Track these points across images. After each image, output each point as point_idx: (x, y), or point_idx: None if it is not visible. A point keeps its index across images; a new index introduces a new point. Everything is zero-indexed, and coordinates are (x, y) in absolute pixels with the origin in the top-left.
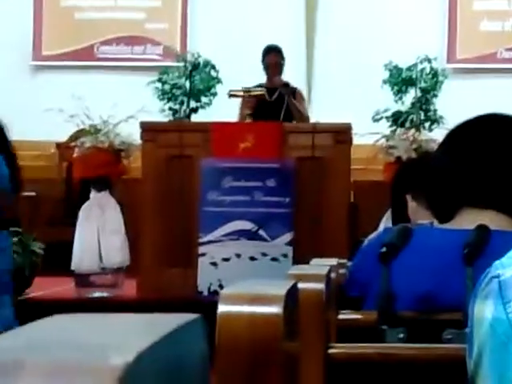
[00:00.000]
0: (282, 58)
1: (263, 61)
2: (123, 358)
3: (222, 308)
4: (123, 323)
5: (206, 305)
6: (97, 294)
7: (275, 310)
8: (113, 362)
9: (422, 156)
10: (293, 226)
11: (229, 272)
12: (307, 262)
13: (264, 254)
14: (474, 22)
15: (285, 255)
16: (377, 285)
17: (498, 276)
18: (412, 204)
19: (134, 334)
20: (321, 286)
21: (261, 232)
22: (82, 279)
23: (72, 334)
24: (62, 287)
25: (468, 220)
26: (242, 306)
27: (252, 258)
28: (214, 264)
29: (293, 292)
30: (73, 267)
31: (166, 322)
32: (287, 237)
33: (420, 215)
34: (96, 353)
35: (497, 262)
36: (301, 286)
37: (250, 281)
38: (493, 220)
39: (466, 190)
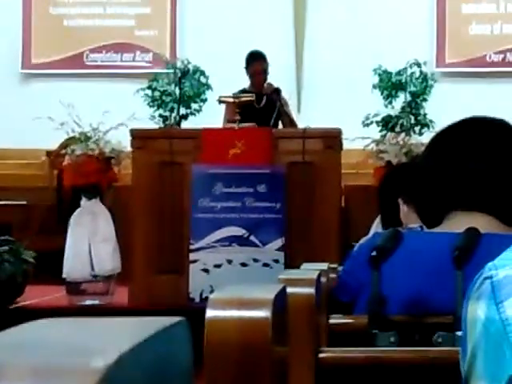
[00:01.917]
0: (266, 64)
1: (247, 68)
2: (104, 361)
3: (210, 313)
4: (106, 326)
5: (197, 311)
6: (88, 302)
7: (263, 314)
8: (94, 364)
9: (409, 160)
10: (284, 232)
11: (220, 278)
12: (299, 267)
13: (255, 260)
14: (462, 26)
15: (276, 261)
16: (368, 289)
17: (490, 277)
18: (403, 208)
19: (117, 336)
20: (311, 290)
21: (252, 238)
22: (74, 287)
23: (54, 338)
24: (54, 295)
25: (457, 223)
26: (231, 311)
27: (243, 264)
28: (206, 270)
29: (281, 296)
30: (64, 275)
31: (149, 325)
32: (278, 242)
33: (411, 219)
34: (77, 355)
35: (489, 264)
36: (291, 290)
37: (238, 285)
38: (482, 223)
39: (454, 194)
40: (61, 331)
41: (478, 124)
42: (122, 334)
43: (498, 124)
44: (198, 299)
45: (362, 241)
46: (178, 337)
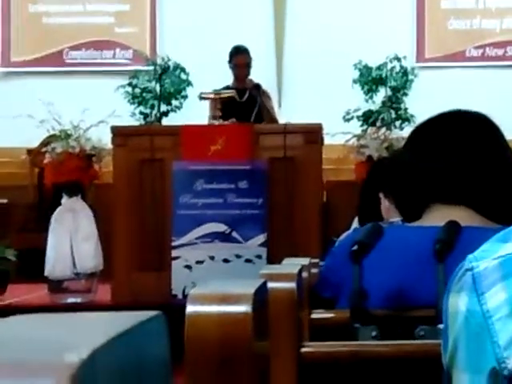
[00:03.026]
0: (250, 59)
1: (230, 61)
2: (78, 356)
3: (190, 308)
4: (81, 322)
5: (180, 308)
6: (71, 300)
7: (244, 309)
8: (68, 359)
9: (392, 154)
10: (266, 227)
11: (203, 275)
12: (281, 263)
13: (238, 256)
14: (441, 21)
15: (259, 256)
16: (349, 284)
17: (471, 269)
18: (384, 202)
19: (92, 331)
20: (292, 285)
21: (234, 234)
22: (56, 285)
23: (28, 333)
24: (36, 293)
25: (437, 217)
26: (211, 306)
27: (226, 260)
28: (188, 267)
29: (262, 291)
30: (46, 273)
31: (124, 320)
32: (261, 238)
33: (393, 213)
34: (51, 351)
35: (470, 256)
36: (272, 285)
37: (218, 281)
38: (462, 216)
39: (433, 187)
40: (35, 327)
41: (457, 117)
42: (97, 329)
43: (476, 117)
44: (180, 296)
45: (343, 236)
46: (154, 331)
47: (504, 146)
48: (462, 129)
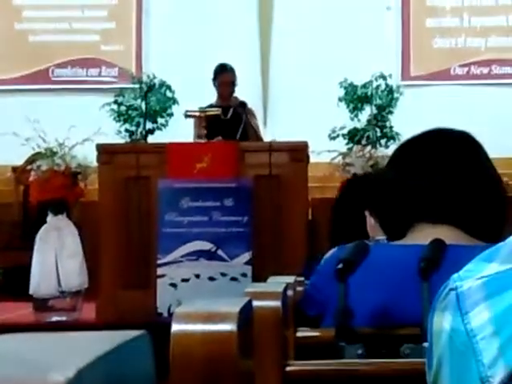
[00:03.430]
0: (235, 77)
1: (215, 79)
2: (63, 375)
3: (175, 327)
4: (66, 341)
5: (165, 326)
6: (56, 318)
7: (228, 327)
8: (53, 378)
9: (370, 173)
10: (251, 245)
11: (188, 293)
12: (266, 281)
13: (223, 274)
14: (426, 39)
15: (244, 274)
16: (334, 302)
17: (455, 288)
18: (370, 220)
19: (77, 350)
20: (277, 303)
21: (220, 252)
22: (41, 303)
23: (14, 352)
24: (21, 312)
25: (421, 236)
26: (196, 325)
27: (211, 278)
28: (174, 285)
29: (247, 309)
30: (31, 291)
31: (110, 339)
32: (246, 256)
33: (378, 231)
34: (37, 370)
35: (454, 275)
36: (257, 303)
37: (203, 299)
38: (447, 235)
39: (417, 206)
40: (20, 346)
41: (440, 136)
42: (83, 348)
43: (459, 136)
44: (165, 314)
45: (328, 254)
46: (139, 350)
47: (487, 164)
48: (446, 147)
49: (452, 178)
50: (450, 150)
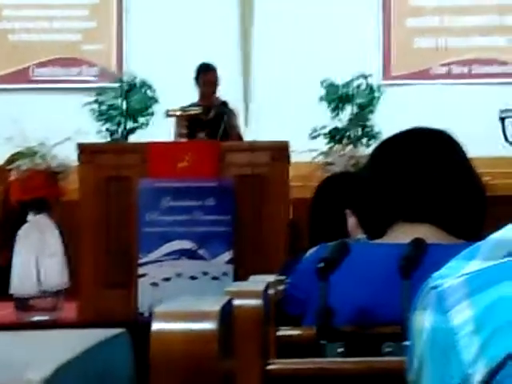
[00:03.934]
0: (217, 76)
1: (197, 78)
2: (41, 374)
3: (155, 325)
4: (45, 339)
5: (146, 325)
6: (37, 318)
7: (209, 326)
8: (30, 377)
9: (344, 172)
10: (233, 245)
11: (170, 292)
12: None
13: (205, 273)
14: (407, 39)
15: (225, 273)
16: (315, 301)
17: (436, 287)
18: (351, 219)
19: (55, 349)
20: (258, 302)
21: (201, 251)
22: (22, 303)
23: None
24: (2, 311)
25: (401, 234)
26: (176, 323)
27: (192, 278)
28: (155, 284)
29: (228, 308)
30: (12, 291)
31: (88, 337)
32: (227, 255)
33: (359, 230)
34: (14, 368)
35: (435, 274)
36: (238, 302)
37: (184, 298)
38: (427, 233)
39: (397, 205)
40: None
41: (419, 135)
42: (61, 346)
43: (438, 134)
44: (147, 313)
45: (308, 254)
46: (118, 348)
47: (466, 162)
48: (424, 146)
49: (431, 176)
50: (429, 148)
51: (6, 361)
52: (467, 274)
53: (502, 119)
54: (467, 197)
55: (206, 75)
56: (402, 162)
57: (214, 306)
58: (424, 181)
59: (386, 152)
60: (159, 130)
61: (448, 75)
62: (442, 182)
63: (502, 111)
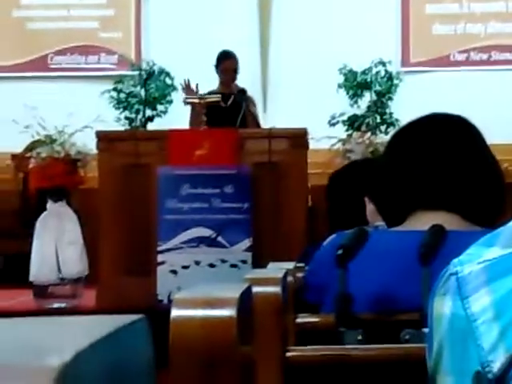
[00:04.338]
0: (237, 64)
1: (218, 66)
2: (60, 359)
3: (175, 312)
4: (64, 325)
5: (166, 313)
6: (56, 305)
7: (228, 312)
8: (50, 362)
9: (365, 159)
10: (251, 232)
11: (188, 279)
12: (266, 268)
13: (223, 261)
14: (426, 26)
15: (244, 261)
16: (334, 288)
17: (456, 273)
18: (370, 206)
19: (74, 335)
20: (277, 289)
21: (219, 239)
22: (41, 290)
23: (11, 336)
24: (21, 299)
25: (421, 222)
26: (195, 310)
27: (211, 265)
28: (174, 272)
29: (247, 295)
30: (31, 278)
31: (107, 323)
32: (246, 243)
33: (378, 217)
34: (34, 354)
35: (455, 260)
36: (257, 289)
37: (203, 285)
38: (446, 221)
39: (416, 193)
40: (18, 330)
41: (437, 121)
42: (80, 332)
43: (457, 120)
44: (166, 300)
45: (326, 241)
46: (137, 334)
47: (484, 149)
48: (442, 132)
49: (449, 163)
50: (446, 134)
51: (25, 346)
52: (487, 260)
53: None
54: (485, 183)
55: (226, 63)
56: (420, 149)
57: (233, 293)
58: (442, 168)
59: (404, 139)
60: (178, 117)
61: (467, 62)
62: (460, 169)
63: None
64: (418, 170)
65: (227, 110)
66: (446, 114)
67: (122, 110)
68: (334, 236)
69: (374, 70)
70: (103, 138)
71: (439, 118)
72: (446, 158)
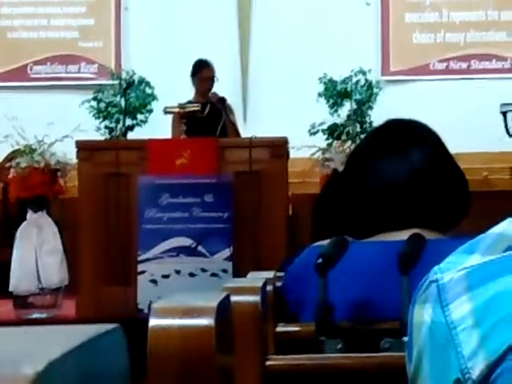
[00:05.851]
0: (214, 73)
1: (194, 75)
2: (33, 368)
3: (153, 322)
4: (38, 334)
5: (146, 322)
6: (36, 315)
7: (206, 322)
8: (23, 371)
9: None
10: (232, 241)
11: (169, 289)
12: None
13: (203, 270)
14: (406, 34)
15: (224, 270)
16: (313, 297)
17: (436, 280)
18: None
19: (48, 344)
20: (256, 298)
21: (200, 248)
22: (21, 300)
23: None
24: (1, 309)
25: (392, 236)
26: (173, 319)
27: (192, 274)
28: (154, 281)
29: (225, 304)
30: (11, 288)
31: (82, 333)
32: (226, 252)
33: None
34: (6, 363)
35: (435, 268)
36: (236, 298)
37: (182, 294)
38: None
39: (383, 217)
40: None
41: (391, 129)
42: (54, 341)
43: (411, 127)
44: (146, 310)
45: (299, 257)
46: (113, 343)
47: (442, 153)
48: (398, 142)
49: (413, 177)
50: (402, 144)
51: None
52: (467, 268)
53: (504, 113)
54: (451, 192)
55: (203, 72)
56: (376, 165)
57: (211, 301)
58: (406, 184)
59: (359, 154)
60: (158, 127)
61: (447, 70)
62: (425, 182)
63: (503, 105)
64: (382, 189)
65: (205, 119)
66: (400, 120)
67: (101, 119)
68: (306, 250)
69: (354, 79)
70: (83, 147)
71: (393, 126)
72: (409, 172)
